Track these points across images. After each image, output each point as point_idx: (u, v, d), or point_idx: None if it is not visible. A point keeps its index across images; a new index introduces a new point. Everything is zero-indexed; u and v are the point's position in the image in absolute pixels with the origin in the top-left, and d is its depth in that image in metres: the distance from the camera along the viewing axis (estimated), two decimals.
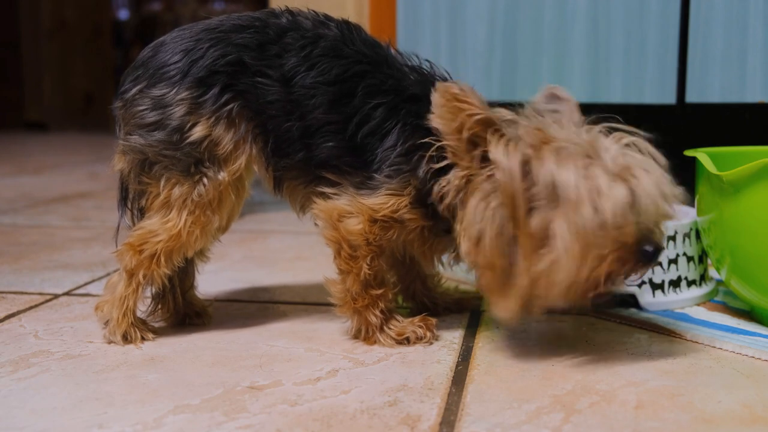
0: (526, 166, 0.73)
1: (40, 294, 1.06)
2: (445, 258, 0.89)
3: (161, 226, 0.83)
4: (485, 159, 0.75)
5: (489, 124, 0.75)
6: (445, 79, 0.84)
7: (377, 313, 0.84)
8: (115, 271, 0.89)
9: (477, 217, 0.75)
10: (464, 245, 0.77)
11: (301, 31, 0.84)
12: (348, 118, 0.82)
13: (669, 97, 1.35)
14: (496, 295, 0.77)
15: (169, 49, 0.83)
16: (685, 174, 0.99)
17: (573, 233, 0.70)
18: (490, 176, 0.75)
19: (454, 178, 0.77)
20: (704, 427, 0.64)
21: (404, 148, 0.80)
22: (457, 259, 0.85)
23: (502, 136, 0.74)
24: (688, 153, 0.93)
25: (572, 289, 0.73)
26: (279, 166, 0.85)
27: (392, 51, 0.86)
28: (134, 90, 0.84)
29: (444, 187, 0.78)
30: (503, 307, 0.76)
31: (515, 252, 0.73)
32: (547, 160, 0.72)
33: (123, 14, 5.82)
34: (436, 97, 0.75)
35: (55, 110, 5.42)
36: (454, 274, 1.16)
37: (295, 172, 0.86)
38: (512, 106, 0.79)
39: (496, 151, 0.73)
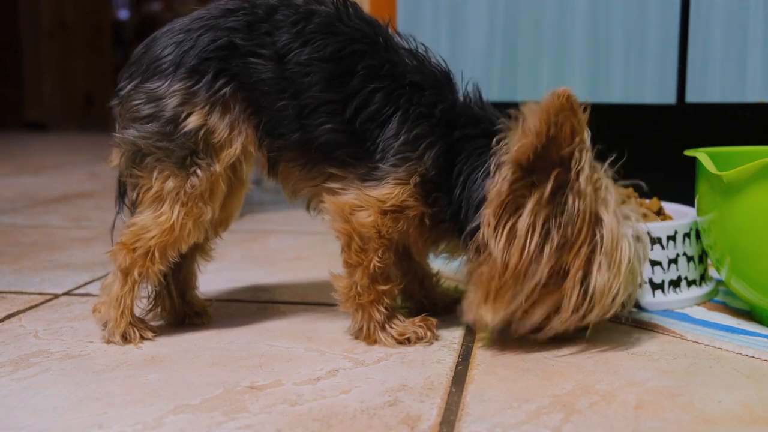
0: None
1: (40, 294, 1.06)
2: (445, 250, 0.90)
3: (153, 220, 0.83)
4: (563, 176, 0.76)
5: (585, 150, 0.76)
6: (442, 67, 0.85)
7: (381, 309, 0.84)
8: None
9: (535, 224, 0.76)
10: (499, 240, 0.76)
11: (292, 7, 0.83)
12: (346, 98, 0.81)
13: (669, 97, 1.34)
14: (491, 296, 0.78)
15: (161, 44, 0.84)
16: (686, 174, 0.99)
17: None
18: (562, 194, 0.76)
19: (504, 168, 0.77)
20: (704, 427, 0.64)
21: (409, 136, 0.80)
22: (451, 251, 0.87)
23: (589, 169, 0.76)
24: (688, 153, 0.93)
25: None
26: (273, 146, 0.84)
27: (390, 31, 0.85)
28: (129, 86, 0.84)
29: (492, 182, 0.77)
30: (490, 309, 0.79)
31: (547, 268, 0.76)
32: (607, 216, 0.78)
33: (123, 14, 5.82)
34: (551, 98, 0.74)
35: (55, 110, 5.42)
36: (455, 273, 1.16)
37: (291, 154, 0.85)
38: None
39: (582, 181, 0.76)
